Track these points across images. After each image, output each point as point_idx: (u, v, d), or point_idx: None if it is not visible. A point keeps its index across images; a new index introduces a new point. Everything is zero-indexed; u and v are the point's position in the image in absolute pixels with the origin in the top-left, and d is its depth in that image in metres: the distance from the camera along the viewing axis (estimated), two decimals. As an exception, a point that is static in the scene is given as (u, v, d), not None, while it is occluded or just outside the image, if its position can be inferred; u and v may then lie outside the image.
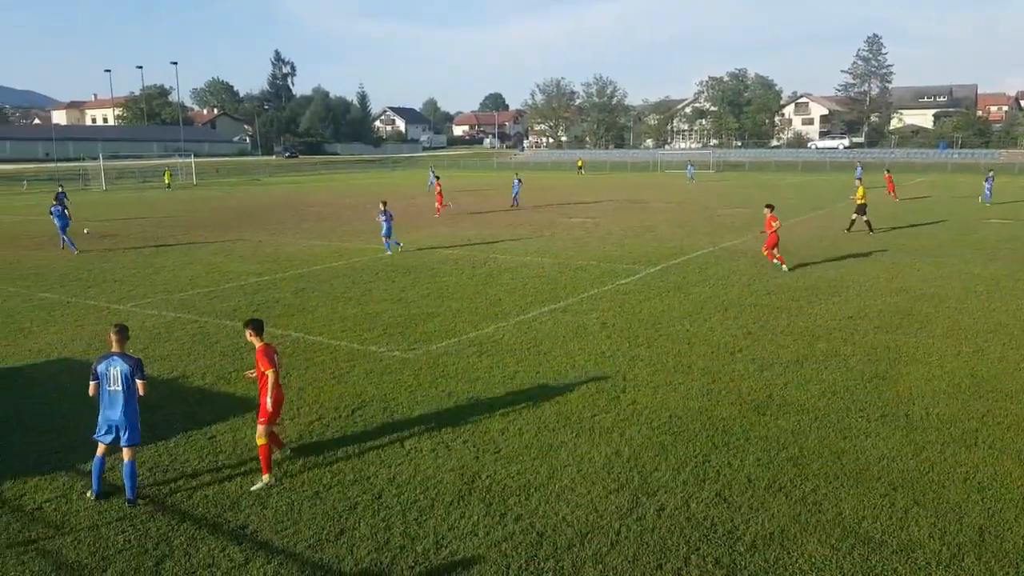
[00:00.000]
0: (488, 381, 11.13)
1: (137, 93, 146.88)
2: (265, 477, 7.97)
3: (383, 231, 24.13)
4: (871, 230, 27.17)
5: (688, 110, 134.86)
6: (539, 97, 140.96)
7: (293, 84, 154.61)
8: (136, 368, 7.57)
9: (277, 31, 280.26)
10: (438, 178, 40.69)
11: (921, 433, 9.06)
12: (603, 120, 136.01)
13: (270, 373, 7.84)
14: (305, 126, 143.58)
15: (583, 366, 11.84)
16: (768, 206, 20.82)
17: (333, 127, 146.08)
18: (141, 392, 7.57)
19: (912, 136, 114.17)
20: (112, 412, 7.54)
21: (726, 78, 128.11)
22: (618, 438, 9.00)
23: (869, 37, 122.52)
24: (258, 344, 8.10)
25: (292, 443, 8.95)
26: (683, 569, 6.27)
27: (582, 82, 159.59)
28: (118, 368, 7.52)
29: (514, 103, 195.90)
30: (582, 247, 24.91)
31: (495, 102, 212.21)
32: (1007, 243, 24.96)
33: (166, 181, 64.59)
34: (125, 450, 7.55)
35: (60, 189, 36.68)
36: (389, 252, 23.88)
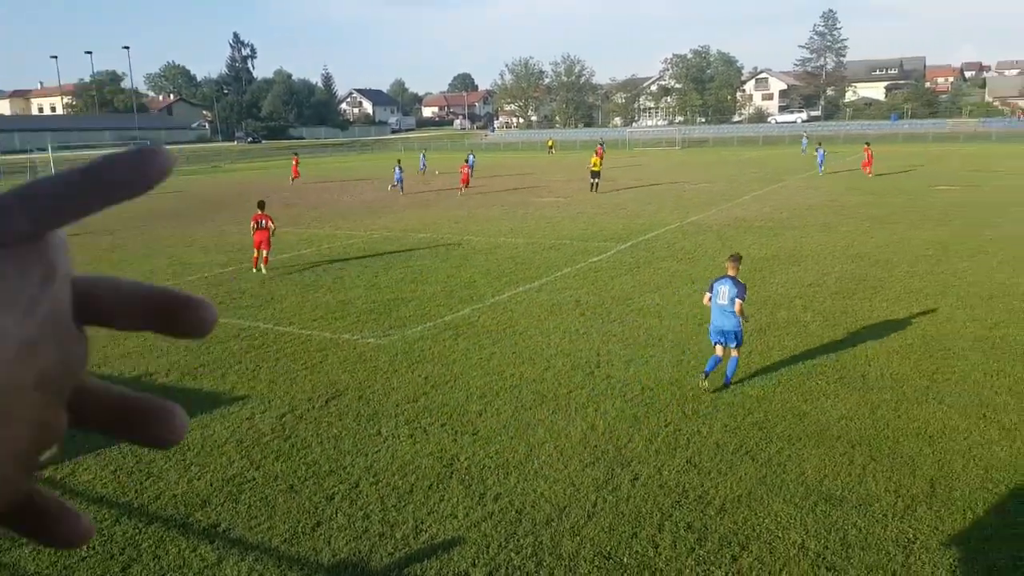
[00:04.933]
0: (465, 363, 11.35)
1: (87, 80, 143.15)
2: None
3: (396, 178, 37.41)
4: (592, 191, 34.81)
5: (654, 88, 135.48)
6: (508, 77, 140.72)
7: (253, 67, 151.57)
8: (741, 291, 9.56)
9: (235, 12, 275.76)
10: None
11: (877, 392, 9.52)
12: (571, 99, 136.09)
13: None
14: (267, 110, 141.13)
15: (558, 344, 12.11)
16: (260, 203, 19.49)
17: (297, 111, 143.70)
18: (737, 310, 9.50)
19: (865, 108, 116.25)
20: (721, 323, 9.70)
21: (689, 55, 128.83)
22: (593, 413, 9.29)
23: (825, 12, 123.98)
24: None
25: (265, 436, 9.01)
26: (657, 535, 6.58)
27: (550, 61, 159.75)
28: (726, 287, 9.61)
29: (483, 83, 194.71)
30: (554, 226, 25.15)
31: (464, 83, 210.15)
32: (953, 208, 25.87)
33: None
34: (733, 350, 9.72)
35: None
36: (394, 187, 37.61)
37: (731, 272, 9.77)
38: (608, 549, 6.41)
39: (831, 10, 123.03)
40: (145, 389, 6.86)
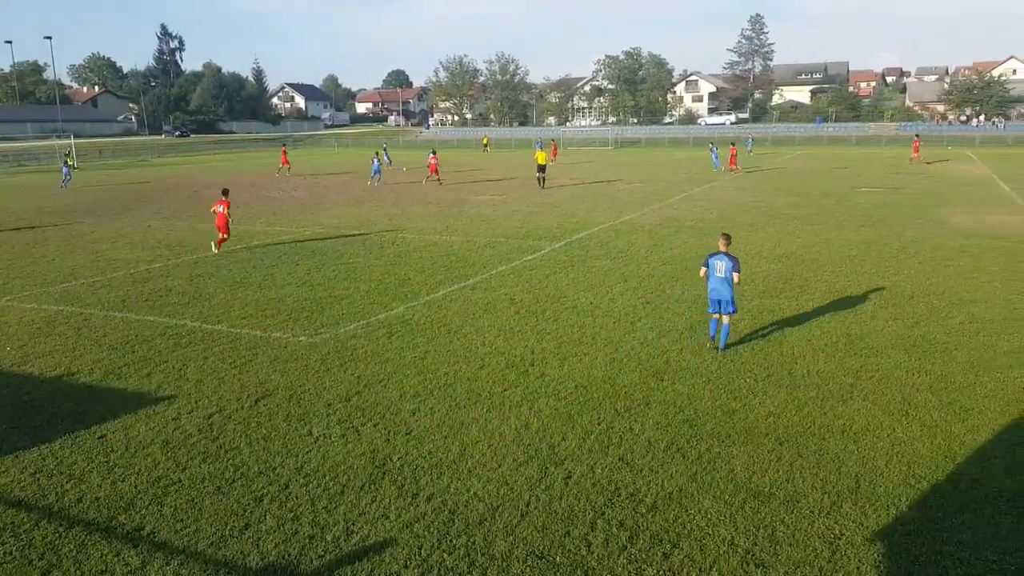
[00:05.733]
0: (398, 362, 11.19)
1: (7, 70, 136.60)
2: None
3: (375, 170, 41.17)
4: (542, 186, 36.32)
5: (587, 88, 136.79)
6: (443, 75, 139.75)
7: (182, 60, 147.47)
8: (735, 264, 11.00)
9: (163, 3, 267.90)
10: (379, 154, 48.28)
11: (803, 390, 9.77)
12: (506, 98, 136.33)
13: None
14: (196, 104, 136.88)
15: (493, 342, 12.06)
16: (223, 191, 21.61)
17: (227, 104, 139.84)
18: (735, 280, 11.03)
19: (792, 111, 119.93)
20: (719, 293, 11.01)
21: (622, 57, 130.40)
22: (527, 411, 9.27)
23: (752, 16, 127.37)
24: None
25: (192, 437, 8.72)
26: (589, 534, 6.58)
27: (485, 60, 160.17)
28: (723, 263, 11.00)
29: (418, 80, 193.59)
30: (490, 224, 25.10)
31: (398, 79, 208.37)
32: (876, 210, 26.89)
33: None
34: (725, 317, 11.16)
35: None
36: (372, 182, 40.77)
37: (723, 248, 11.25)
38: (541, 548, 6.38)
39: (758, 15, 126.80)
40: (67, 388, 6.57)
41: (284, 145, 59.46)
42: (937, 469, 7.66)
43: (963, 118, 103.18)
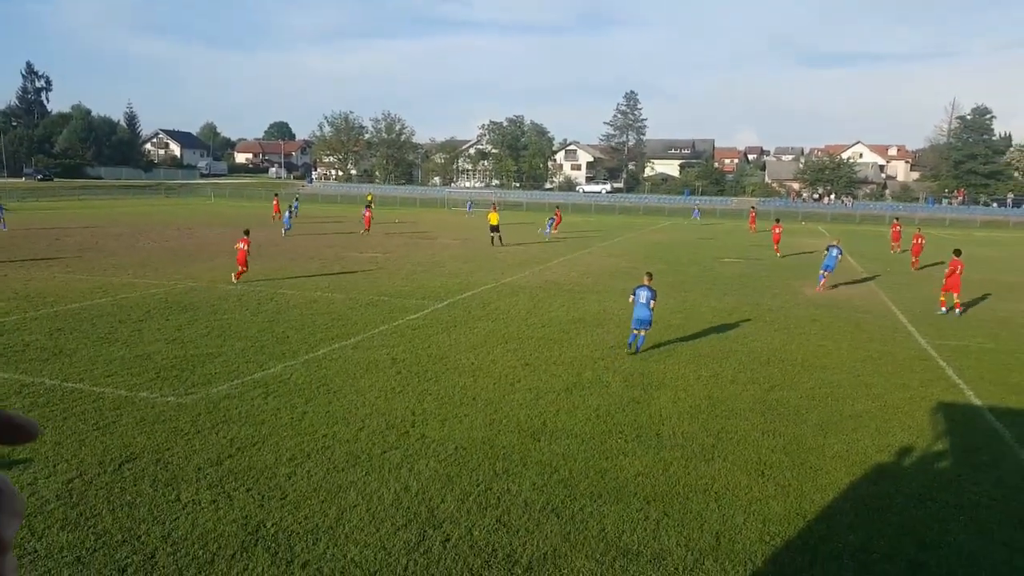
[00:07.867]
0: (274, 424, 10.96)
1: None
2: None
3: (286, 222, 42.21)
4: (496, 244, 38.69)
5: (472, 151, 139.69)
6: (327, 129, 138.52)
7: (48, 100, 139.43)
8: (654, 295, 15.31)
9: (29, 43, 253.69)
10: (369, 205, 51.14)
11: (669, 450, 10.34)
12: (392, 156, 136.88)
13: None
14: (62, 146, 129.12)
15: (373, 403, 12.03)
16: (245, 231, 25.30)
17: (96, 149, 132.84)
18: (652, 306, 15.22)
19: (662, 183, 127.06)
20: (641, 315, 15.21)
21: (505, 123, 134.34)
22: (407, 473, 9.31)
23: (627, 93, 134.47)
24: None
25: (50, 503, 8.25)
26: (466, 594, 6.69)
27: (371, 117, 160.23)
28: (646, 293, 15.21)
29: (301, 133, 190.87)
30: (372, 282, 25.04)
31: (281, 131, 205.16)
32: (738, 279, 28.80)
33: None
34: (643, 332, 15.54)
35: None
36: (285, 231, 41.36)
37: (646, 282, 15.62)
38: (418, 613, 6.41)
39: (633, 91, 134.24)
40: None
41: (276, 194, 61.32)
42: (790, 526, 8.29)
43: (816, 196, 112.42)
